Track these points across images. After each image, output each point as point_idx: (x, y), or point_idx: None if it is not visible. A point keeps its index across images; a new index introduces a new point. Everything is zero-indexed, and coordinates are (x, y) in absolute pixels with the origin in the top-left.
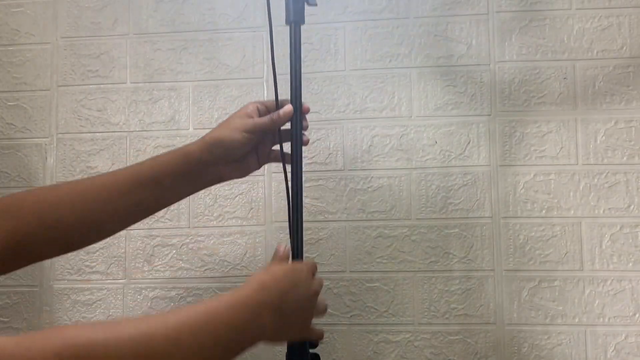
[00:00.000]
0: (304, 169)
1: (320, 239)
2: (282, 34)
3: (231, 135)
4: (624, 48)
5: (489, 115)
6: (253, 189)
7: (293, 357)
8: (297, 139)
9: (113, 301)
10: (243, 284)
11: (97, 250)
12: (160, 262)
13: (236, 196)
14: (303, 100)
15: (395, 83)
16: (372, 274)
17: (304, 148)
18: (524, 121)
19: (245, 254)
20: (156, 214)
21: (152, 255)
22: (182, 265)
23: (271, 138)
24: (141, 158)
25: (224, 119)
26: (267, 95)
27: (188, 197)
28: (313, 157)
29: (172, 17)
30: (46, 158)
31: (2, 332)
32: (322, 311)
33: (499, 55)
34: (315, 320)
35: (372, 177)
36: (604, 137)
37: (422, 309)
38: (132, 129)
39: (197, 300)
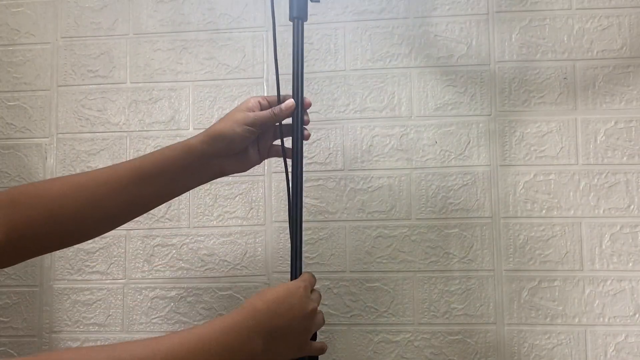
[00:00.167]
0: (304, 169)
1: (320, 239)
2: (283, 34)
3: (232, 128)
4: (624, 48)
5: (489, 115)
6: (253, 189)
7: None
8: (298, 133)
9: (113, 301)
10: (236, 309)
11: (97, 250)
12: (160, 262)
13: (236, 196)
14: None
15: (395, 83)
16: (372, 274)
17: (304, 148)
18: (524, 121)
19: (245, 254)
20: (156, 214)
21: (152, 255)
22: (182, 265)
23: (272, 132)
24: None
25: None
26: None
27: (188, 198)
28: (313, 157)
29: (172, 17)
30: (46, 158)
31: (2, 332)
32: (320, 326)
33: (499, 55)
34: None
35: (372, 177)
36: (604, 137)
37: (422, 309)
38: (132, 129)
39: (197, 301)
